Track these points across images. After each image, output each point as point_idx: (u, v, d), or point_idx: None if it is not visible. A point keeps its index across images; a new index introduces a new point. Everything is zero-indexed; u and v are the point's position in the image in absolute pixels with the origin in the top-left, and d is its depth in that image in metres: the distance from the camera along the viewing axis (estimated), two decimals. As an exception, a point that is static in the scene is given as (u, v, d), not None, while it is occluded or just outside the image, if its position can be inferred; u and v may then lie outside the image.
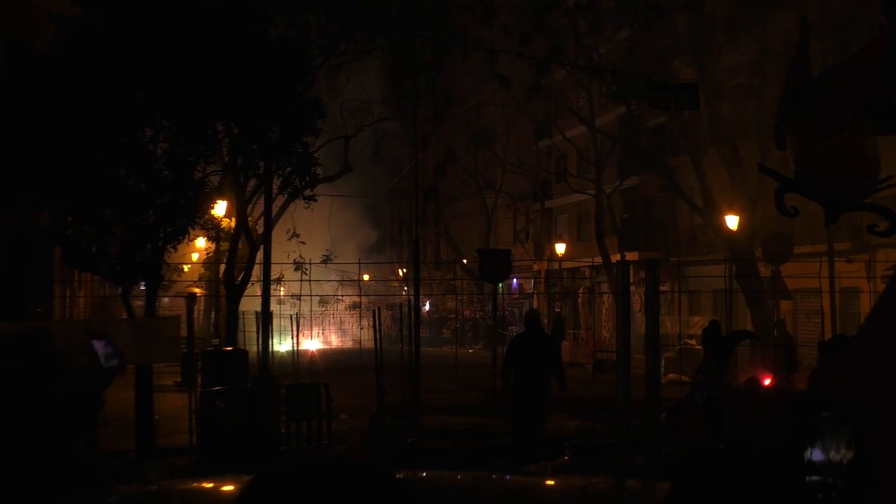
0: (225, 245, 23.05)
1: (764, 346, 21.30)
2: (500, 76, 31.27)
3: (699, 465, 1.96)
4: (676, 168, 36.88)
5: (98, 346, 4.05)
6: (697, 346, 24.41)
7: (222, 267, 24.72)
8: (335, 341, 47.87)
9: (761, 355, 21.05)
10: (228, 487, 2.59)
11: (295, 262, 25.48)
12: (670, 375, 23.45)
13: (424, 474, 3.02)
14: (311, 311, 29.80)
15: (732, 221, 30.07)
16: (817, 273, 23.26)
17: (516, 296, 53.23)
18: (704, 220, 34.18)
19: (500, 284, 25.79)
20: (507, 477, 2.99)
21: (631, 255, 36.41)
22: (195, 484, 2.93)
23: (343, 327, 49.04)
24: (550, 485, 3.09)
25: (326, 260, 29.71)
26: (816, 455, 1.82)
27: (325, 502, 1.54)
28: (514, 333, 22.12)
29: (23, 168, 13.64)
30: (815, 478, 1.83)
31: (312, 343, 34.32)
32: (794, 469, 1.92)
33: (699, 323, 29.33)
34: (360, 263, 19.67)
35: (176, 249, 15.85)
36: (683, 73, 31.21)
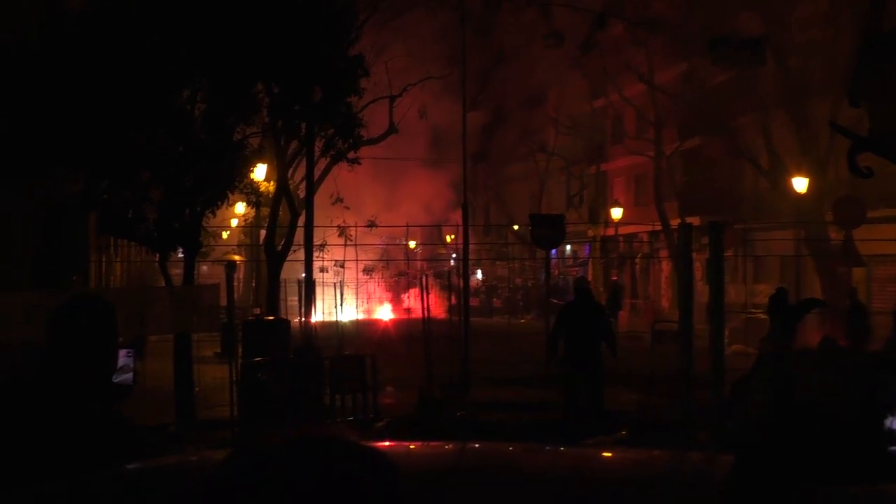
0: (265, 210, 23.18)
1: (834, 316, 21.07)
2: (554, 32, 31.05)
3: (766, 436, 1.94)
4: (741, 128, 36.45)
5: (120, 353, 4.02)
6: (763, 316, 24.22)
7: (262, 233, 24.87)
8: (381, 310, 48.10)
9: (832, 325, 20.84)
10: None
11: (339, 227, 25.56)
12: (735, 346, 23.28)
13: (477, 445, 3.03)
14: (356, 278, 29.92)
15: (801, 184, 29.68)
16: (892, 238, 22.93)
17: (570, 263, 53.10)
18: (771, 184, 33.79)
19: (554, 251, 25.72)
20: (562, 449, 2.99)
21: (692, 220, 36.14)
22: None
23: (389, 296, 49.26)
24: (608, 457, 3.08)
25: (372, 224, 29.75)
26: (896, 422, 1.81)
27: (301, 480, 1.54)
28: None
29: (59, 132, 13.79)
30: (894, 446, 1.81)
31: (383, 311, 34.34)
32: (871, 437, 1.90)
33: (765, 291, 29.09)
34: (407, 227, 19.71)
35: (215, 215, 15.97)
36: (750, 27, 30.76)
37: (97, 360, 3.26)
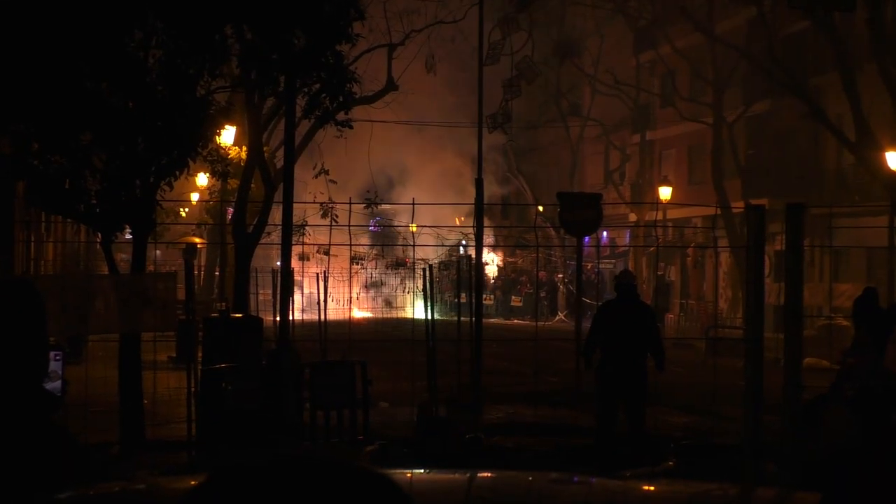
0: (233, 183, 23.19)
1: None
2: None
3: (853, 466, 1.92)
4: (821, 90, 36.39)
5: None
6: (846, 322, 24.17)
7: (230, 211, 24.91)
8: (373, 308, 48.22)
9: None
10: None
11: (322, 204, 25.52)
12: (809, 359, 23.27)
13: (490, 475, 3.01)
14: (349, 267, 29.96)
15: (895, 160, 29.63)
16: None
17: (607, 253, 53.10)
18: (858, 159, 33.72)
19: (588, 238, 25.69)
20: (594, 480, 2.96)
21: (758, 203, 36.08)
22: (193, 482, 2.94)
23: (384, 291, 49.39)
24: (650, 491, 3.06)
25: (370, 202, 29.69)
26: None
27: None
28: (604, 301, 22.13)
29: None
30: None
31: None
32: None
33: (847, 292, 29.06)
34: (413, 205, 19.47)
35: (172, 187, 15.98)
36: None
37: (22, 360, 3.23)
